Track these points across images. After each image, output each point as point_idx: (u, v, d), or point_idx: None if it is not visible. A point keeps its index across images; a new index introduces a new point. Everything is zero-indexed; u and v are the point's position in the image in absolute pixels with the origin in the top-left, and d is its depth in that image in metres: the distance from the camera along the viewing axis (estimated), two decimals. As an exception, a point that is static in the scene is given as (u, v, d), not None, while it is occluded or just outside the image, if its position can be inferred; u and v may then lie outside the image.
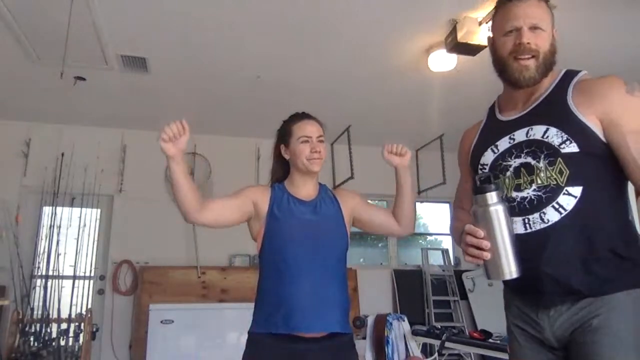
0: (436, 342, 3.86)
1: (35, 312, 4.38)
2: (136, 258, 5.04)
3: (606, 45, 3.55)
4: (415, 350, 4.07)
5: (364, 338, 4.29)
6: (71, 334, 4.27)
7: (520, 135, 1.27)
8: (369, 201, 2.06)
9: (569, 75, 1.29)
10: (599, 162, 1.19)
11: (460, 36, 3.14)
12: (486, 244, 1.15)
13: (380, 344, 4.14)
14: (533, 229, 1.20)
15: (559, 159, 1.19)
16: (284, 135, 1.83)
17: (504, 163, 1.29)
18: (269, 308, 1.64)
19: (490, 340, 3.39)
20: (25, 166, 4.98)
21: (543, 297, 1.20)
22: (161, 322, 4.53)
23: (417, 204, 6.32)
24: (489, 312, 5.31)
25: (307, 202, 1.76)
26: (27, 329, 4.18)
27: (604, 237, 1.16)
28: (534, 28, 1.27)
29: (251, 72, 3.98)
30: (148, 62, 3.80)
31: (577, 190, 1.17)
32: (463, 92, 4.17)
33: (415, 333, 4.15)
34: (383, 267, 5.99)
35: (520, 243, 1.17)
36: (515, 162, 1.27)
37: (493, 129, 1.38)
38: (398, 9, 3.10)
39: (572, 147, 1.18)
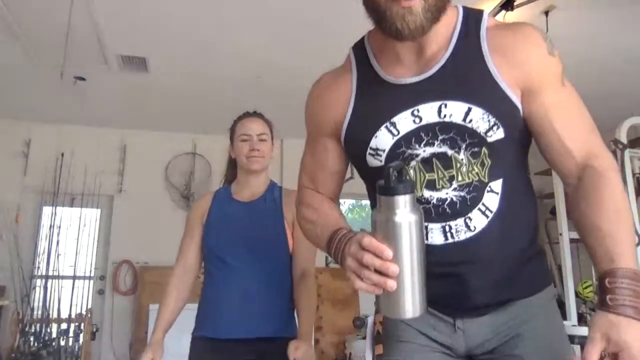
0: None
1: (35, 312, 4.38)
2: (136, 258, 5.04)
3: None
4: (415, 350, 4.07)
5: (364, 338, 4.29)
6: (71, 334, 4.26)
7: (428, 114, 0.92)
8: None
9: (471, 18, 0.95)
10: (518, 146, 0.96)
11: (460, 36, 3.13)
12: (395, 269, 0.79)
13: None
14: (456, 239, 0.93)
15: (484, 148, 0.91)
16: (231, 134, 1.83)
17: (408, 151, 0.94)
18: (202, 311, 1.67)
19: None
20: (25, 166, 4.98)
21: (465, 310, 0.99)
22: (161, 322, 4.53)
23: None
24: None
25: (246, 204, 1.74)
26: (27, 329, 4.18)
27: (525, 236, 0.98)
28: None
29: (251, 72, 3.98)
30: (148, 62, 3.80)
31: (497, 185, 0.93)
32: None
33: (415, 333, 4.14)
34: (383, 267, 5.98)
35: (438, 253, 0.92)
36: (424, 151, 0.93)
37: (379, 94, 0.97)
38: (398, 9, 3.10)
39: (499, 133, 0.91)
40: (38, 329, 4.24)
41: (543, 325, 0.98)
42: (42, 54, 3.62)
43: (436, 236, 0.94)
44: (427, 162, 0.93)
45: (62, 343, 4.22)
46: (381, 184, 0.81)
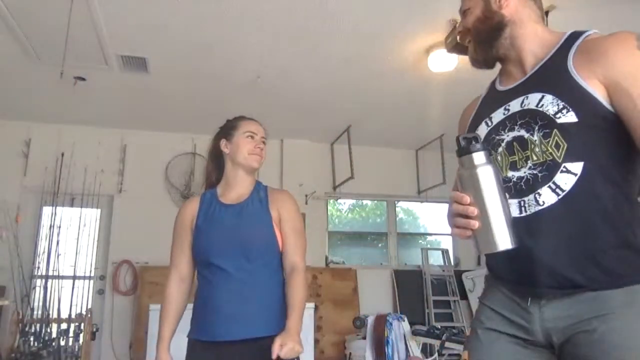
0: (436, 342, 3.87)
1: (35, 312, 4.38)
2: (136, 258, 5.04)
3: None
4: (415, 351, 4.07)
5: (364, 338, 4.30)
6: (71, 334, 4.27)
7: (515, 106, 1.12)
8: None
9: (574, 36, 1.11)
10: (605, 135, 1.02)
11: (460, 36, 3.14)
12: (473, 210, 0.98)
13: (380, 344, 4.14)
14: (528, 212, 1.05)
15: (555, 130, 1.03)
16: (227, 130, 1.82)
17: (497, 137, 1.14)
18: (197, 314, 1.67)
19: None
20: (25, 166, 4.99)
21: (536, 288, 1.04)
22: (161, 322, 4.53)
23: (417, 204, 6.33)
24: (489, 312, 5.30)
25: (233, 206, 1.72)
26: (27, 329, 4.18)
27: (607, 223, 1.00)
28: (463, 13, 1.27)
29: (251, 72, 3.98)
30: (148, 62, 3.80)
31: (577, 167, 1.01)
32: (463, 92, 4.16)
33: (415, 333, 4.15)
34: (383, 267, 5.99)
35: (515, 228, 1.01)
36: (507, 136, 1.11)
37: (491, 100, 1.23)
38: (398, 9, 3.10)
39: (570, 117, 1.02)
40: (38, 329, 4.24)
41: (623, 326, 0.95)
42: (42, 54, 3.62)
43: (514, 210, 1.06)
44: (509, 146, 1.11)
45: (62, 343, 4.22)
46: (458, 148, 1.04)
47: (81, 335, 4.23)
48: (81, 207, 4.87)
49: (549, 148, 1.03)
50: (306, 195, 5.47)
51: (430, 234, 6.63)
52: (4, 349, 4.18)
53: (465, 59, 3.60)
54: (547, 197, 1.03)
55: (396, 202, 6.31)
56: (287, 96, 4.47)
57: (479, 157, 1.01)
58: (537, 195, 1.04)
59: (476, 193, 0.99)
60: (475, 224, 0.98)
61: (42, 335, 4.22)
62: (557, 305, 1.02)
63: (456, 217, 1.01)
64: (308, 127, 5.29)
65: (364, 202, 6.45)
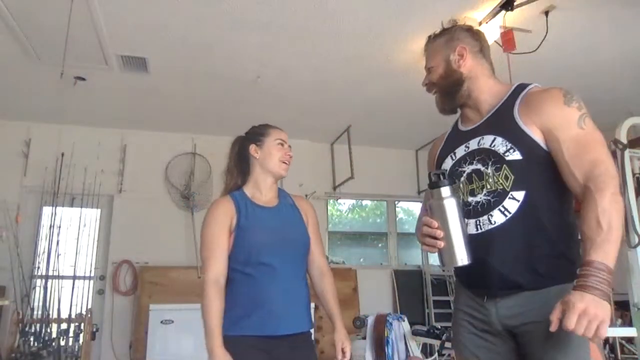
0: (436, 342, 3.86)
1: (35, 312, 4.38)
2: (136, 258, 5.04)
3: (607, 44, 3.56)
4: (415, 351, 4.07)
5: (364, 338, 4.29)
6: (71, 334, 4.27)
7: (473, 144, 1.40)
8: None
9: (519, 88, 1.39)
10: (542, 169, 1.28)
11: (460, 36, 3.14)
12: (439, 233, 1.26)
13: (380, 344, 4.14)
14: (482, 230, 1.31)
15: (504, 165, 1.30)
16: (257, 136, 1.88)
17: (459, 169, 1.41)
18: (243, 311, 1.69)
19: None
20: (25, 166, 4.98)
21: (490, 289, 1.31)
22: (161, 322, 4.53)
23: (417, 204, 6.33)
24: (489, 312, 5.30)
25: (269, 208, 1.82)
26: (27, 329, 4.18)
27: (544, 238, 1.26)
28: (428, 70, 1.51)
29: (251, 72, 3.98)
30: (148, 62, 3.80)
31: (520, 195, 1.27)
32: (463, 92, 4.17)
33: (415, 333, 4.15)
34: (383, 267, 5.99)
35: (473, 242, 1.28)
36: (468, 169, 1.39)
37: (454, 138, 1.51)
38: (398, 9, 3.10)
39: (516, 155, 1.29)
40: (38, 329, 4.24)
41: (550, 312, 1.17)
42: (42, 54, 3.62)
43: (471, 228, 1.33)
44: (469, 177, 1.38)
45: (62, 343, 4.22)
46: (429, 182, 1.33)
47: (81, 335, 4.23)
48: (81, 207, 4.87)
49: (500, 179, 1.30)
50: (306, 195, 5.46)
51: (430, 234, 6.61)
52: (4, 349, 4.18)
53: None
54: (497, 217, 1.29)
55: (396, 202, 6.31)
56: (287, 96, 4.47)
57: (445, 191, 1.29)
58: (489, 216, 1.30)
59: (442, 220, 1.27)
60: (441, 244, 1.27)
61: (42, 335, 4.22)
62: (507, 302, 1.29)
63: (425, 237, 1.30)
64: (308, 127, 5.29)
65: (364, 202, 6.45)
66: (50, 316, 4.36)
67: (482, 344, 1.37)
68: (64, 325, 4.30)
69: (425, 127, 5.21)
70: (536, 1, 2.94)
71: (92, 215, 4.98)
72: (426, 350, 4.43)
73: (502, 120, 1.35)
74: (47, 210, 4.79)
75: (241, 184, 1.86)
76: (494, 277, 1.29)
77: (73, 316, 4.37)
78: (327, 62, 3.84)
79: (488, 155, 1.34)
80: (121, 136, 5.30)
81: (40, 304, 4.39)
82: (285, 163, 1.84)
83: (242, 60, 3.77)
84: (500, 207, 1.29)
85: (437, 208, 1.29)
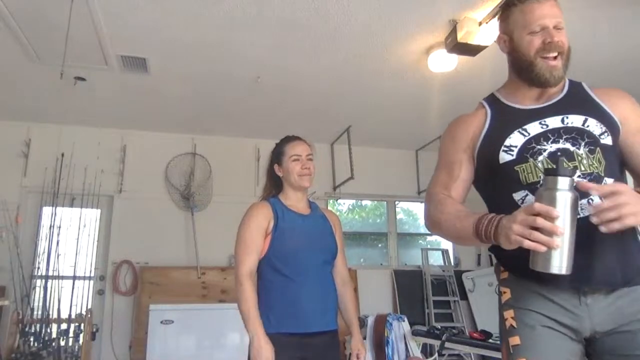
0: (436, 343, 3.87)
1: (35, 313, 4.38)
2: (136, 258, 5.04)
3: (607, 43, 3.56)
4: (415, 351, 4.08)
5: (364, 338, 4.29)
6: (71, 334, 4.27)
7: (554, 122, 1.28)
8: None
9: (575, 82, 1.38)
10: (619, 159, 1.28)
11: (460, 37, 3.14)
12: (562, 230, 1.01)
13: (380, 344, 4.15)
14: (582, 215, 1.13)
15: (598, 148, 1.23)
16: (277, 155, 2.07)
17: (538, 147, 1.26)
18: (280, 310, 1.84)
19: (490, 340, 3.39)
20: (25, 166, 4.98)
21: (582, 286, 1.17)
22: (161, 322, 4.53)
23: (417, 204, 6.33)
24: (489, 312, 5.30)
25: (304, 216, 2.00)
26: (27, 329, 4.18)
27: (630, 230, 1.16)
28: (557, 28, 1.29)
29: (251, 72, 3.98)
30: (148, 62, 3.80)
31: (610, 182, 1.19)
32: (463, 92, 4.17)
33: (415, 333, 4.15)
34: (383, 267, 5.99)
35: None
36: (551, 147, 1.25)
37: (512, 114, 1.34)
38: (398, 9, 3.10)
39: (608, 140, 1.25)
40: (38, 329, 4.24)
41: None
42: (42, 54, 3.62)
43: None
44: (552, 155, 1.24)
45: (62, 343, 4.23)
46: (551, 168, 1.10)
47: (81, 336, 4.24)
48: (81, 207, 4.86)
49: (594, 162, 1.22)
50: (306, 196, 5.46)
51: (431, 234, 6.62)
52: (4, 349, 4.18)
53: (465, 59, 3.61)
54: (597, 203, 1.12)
55: (396, 202, 6.31)
56: (287, 96, 4.47)
57: (565, 182, 1.05)
58: (590, 200, 1.16)
59: (562, 215, 1.02)
60: (560, 243, 1.01)
61: (42, 335, 4.22)
62: (601, 303, 1.18)
63: (536, 232, 1.01)
64: (308, 127, 5.28)
65: (364, 202, 6.45)
66: (50, 316, 4.36)
67: (572, 351, 1.22)
68: (64, 326, 4.30)
69: (425, 127, 5.21)
70: (536, 1, 2.94)
71: (92, 216, 4.97)
72: (426, 350, 4.43)
73: (585, 104, 1.30)
74: (47, 211, 4.79)
75: (277, 194, 2.06)
76: (595, 269, 1.16)
77: (73, 316, 4.37)
78: (327, 62, 3.84)
79: (581, 135, 1.24)
80: (121, 136, 5.30)
81: (40, 304, 4.39)
82: (305, 175, 2.00)
83: (242, 60, 3.77)
84: None
85: (549, 200, 1.03)
